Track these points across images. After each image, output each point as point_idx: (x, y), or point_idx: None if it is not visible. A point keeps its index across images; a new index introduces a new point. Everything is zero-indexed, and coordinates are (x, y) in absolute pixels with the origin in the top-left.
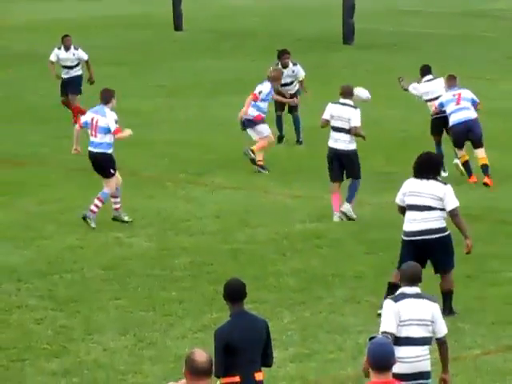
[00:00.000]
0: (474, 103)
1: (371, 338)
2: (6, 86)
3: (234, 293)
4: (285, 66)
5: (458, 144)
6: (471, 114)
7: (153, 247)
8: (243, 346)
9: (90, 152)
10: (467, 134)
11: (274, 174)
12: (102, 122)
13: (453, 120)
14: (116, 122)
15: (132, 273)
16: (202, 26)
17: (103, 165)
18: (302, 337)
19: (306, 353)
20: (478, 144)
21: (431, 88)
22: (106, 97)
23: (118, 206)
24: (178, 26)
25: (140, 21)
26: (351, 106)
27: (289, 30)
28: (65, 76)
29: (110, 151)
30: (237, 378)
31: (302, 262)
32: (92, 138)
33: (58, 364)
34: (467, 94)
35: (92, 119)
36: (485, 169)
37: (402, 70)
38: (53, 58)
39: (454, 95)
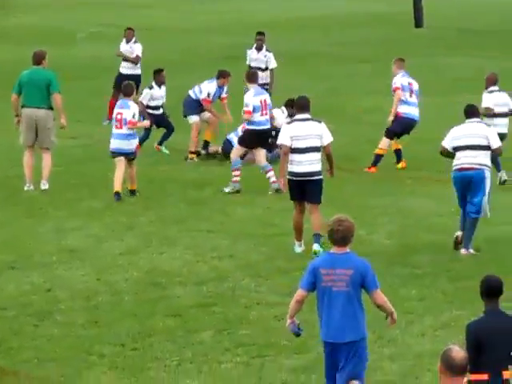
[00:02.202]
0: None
1: None
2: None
3: (491, 289)
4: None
5: (391, 135)
6: (417, 113)
7: (394, 244)
8: (493, 344)
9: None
10: (407, 130)
11: None
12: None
13: (405, 112)
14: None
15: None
16: (442, 23)
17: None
18: None
19: None
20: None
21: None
22: None
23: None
24: (418, 23)
25: (381, 18)
26: None
27: None
28: None
29: None
30: (485, 376)
31: None
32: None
33: (298, 360)
34: (416, 86)
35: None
36: (399, 153)
37: None
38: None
39: (409, 83)
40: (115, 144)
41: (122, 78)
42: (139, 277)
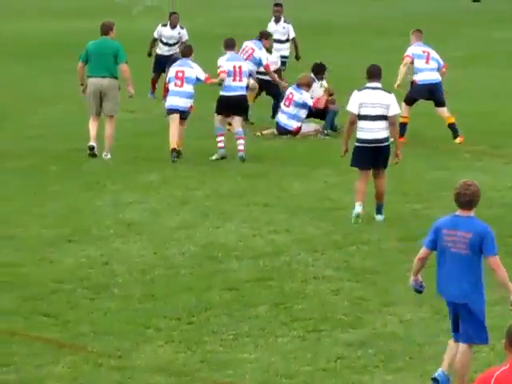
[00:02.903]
0: (439, 65)
1: None
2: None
3: None
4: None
5: (411, 102)
6: (437, 76)
7: None
8: None
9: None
10: (427, 95)
11: None
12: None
13: (420, 79)
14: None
15: None
16: None
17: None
18: None
19: None
20: (440, 104)
21: None
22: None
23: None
24: None
25: None
26: None
27: None
28: None
29: None
30: None
31: None
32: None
33: (354, 335)
34: (434, 54)
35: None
36: (453, 127)
37: None
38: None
39: (423, 52)
40: (172, 101)
41: (161, 58)
42: (195, 251)
